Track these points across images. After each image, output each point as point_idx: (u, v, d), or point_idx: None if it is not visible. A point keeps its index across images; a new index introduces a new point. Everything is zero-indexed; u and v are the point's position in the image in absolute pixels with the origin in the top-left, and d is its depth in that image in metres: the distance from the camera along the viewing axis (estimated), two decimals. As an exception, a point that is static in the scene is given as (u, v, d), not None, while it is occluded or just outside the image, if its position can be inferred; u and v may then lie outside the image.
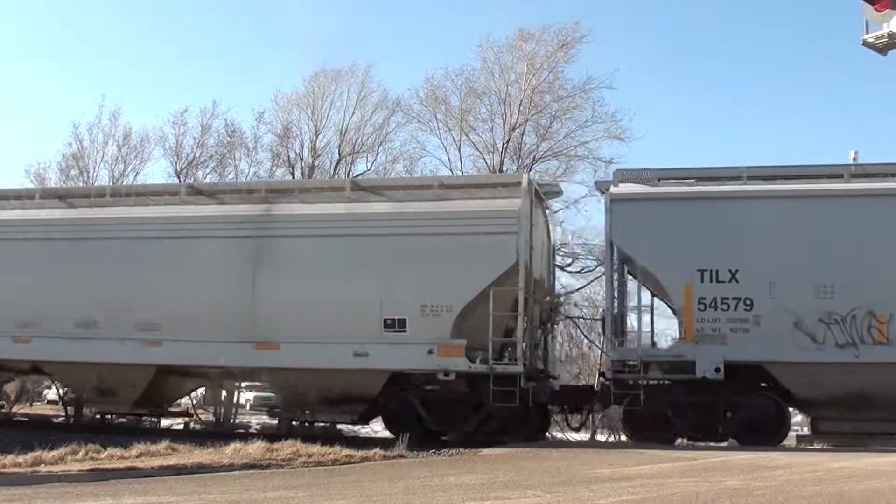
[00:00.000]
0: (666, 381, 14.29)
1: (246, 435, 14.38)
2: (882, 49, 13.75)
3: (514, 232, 14.07)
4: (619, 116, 26.39)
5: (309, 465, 10.51)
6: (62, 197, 17.53)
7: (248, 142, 29.76)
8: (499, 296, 13.99)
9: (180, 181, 27.31)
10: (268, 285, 14.85)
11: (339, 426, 16.71)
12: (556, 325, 16.96)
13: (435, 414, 14.34)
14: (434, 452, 12.12)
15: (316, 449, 11.21)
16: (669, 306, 15.07)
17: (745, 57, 68.58)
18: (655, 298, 15.29)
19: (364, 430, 17.91)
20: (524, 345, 14.29)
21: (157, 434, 14.68)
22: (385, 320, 14.28)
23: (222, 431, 16.69)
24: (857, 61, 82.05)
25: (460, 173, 26.04)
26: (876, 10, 13.56)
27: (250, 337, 14.77)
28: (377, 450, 11.59)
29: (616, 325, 14.66)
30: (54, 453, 10.34)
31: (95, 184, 28.03)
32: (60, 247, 16.04)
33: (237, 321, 14.82)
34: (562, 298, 19.55)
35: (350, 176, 27.10)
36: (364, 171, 28.82)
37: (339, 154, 29.10)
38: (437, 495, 7.63)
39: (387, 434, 15.21)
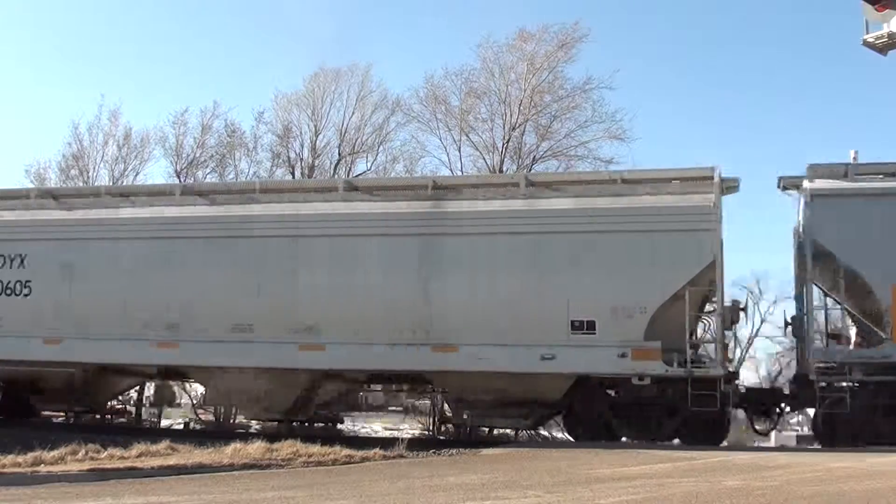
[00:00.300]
0: (862, 383, 13.52)
1: (246, 435, 14.37)
2: (882, 49, 13.73)
3: (712, 229, 13.58)
4: (619, 116, 26.39)
5: (309, 465, 10.51)
6: (204, 193, 16.48)
7: (248, 142, 29.80)
8: (691, 295, 13.44)
9: (180, 181, 27.31)
10: (443, 285, 14.15)
11: (340, 426, 16.72)
12: (736, 325, 16.02)
13: (625, 419, 13.75)
14: (434, 452, 12.12)
15: (316, 449, 11.21)
16: (846, 309, 14.59)
17: (745, 57, 68.59)
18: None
19: (364, 430, 17.91)
20: (719, 346, 13.71)
21: (157, 434, 14.67)
22: (573, 322, 13.66)
23: (222, 431, 16.69)
24: (857, 61, 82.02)
25: (460, 173, 26.03)
26: (876, 10, 13.54)
27: (426, 339, 14.06)
28: (377, 450, 11.58)
29: (809, 326, 14.00)
30: (54, 453, 10.34)
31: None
32: (210, 246, 15.26)
33: (409, 323, 14.12)
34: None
35: (347, 175, 27.09)
36: (364, 171, 28.84)
37: (339, 154, 29.10)
38: (437, 495, 7.63)
39: (387, 434, 15.21)
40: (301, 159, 29.21)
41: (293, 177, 28.06)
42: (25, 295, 15.85)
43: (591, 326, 13.62)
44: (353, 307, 14.30)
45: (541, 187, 14.89)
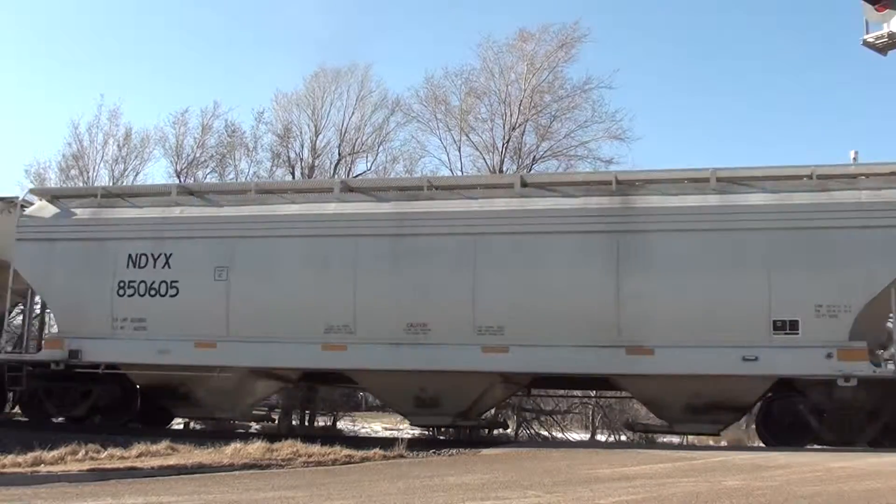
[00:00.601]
0: None
1: (246, 435, 14.37)
2: (882, 49, 13.73)
3: None
4: (619, 116, 26.48)
5: (309, 465, 10.51)
6: (365, 190, 15.72)
7: (248, 142, 29.85)
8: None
9: (180, 181, 27.33)
10: (636, 285, 13.55)
11: (340, 425, 16.74)
12: None
13: (825, 423, 13.21)
14: (434, 452, 12.11)
15: (316, 449, 11.20)
16: None
17: (745, 57, 68.60)
18: None
19: (364, 430, 17.90)
20: None
21: (157, 434, 14.67)
22: (775, 322, 13.09)
23: (222, 431, 16.70)
24: (857, 61, 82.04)
25: (460, 173, 26.07)
26: (876, 10, 13.54)
27: (618, 341, 13.46)
28: (377, 450, 11.58)
29: None
30: (54, 453, 10.33)
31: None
32: (377, 244, 14.55)
33: (598, 324, 13.56)
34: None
35: (347, 175, 27.11)
36: (364, 171, 28.89)
37: (339, 154, 29.14)
38: (436, 495, 7.63)
39: (387, 434, 15.21)
40: (301, 159, 29.27)
41: (293, 177, 28.10)
42: (172, 296, 15.02)
43: (794, 326, 13.07)
44: (537, 308, 13.67)
45: (731, 183, 14.19)
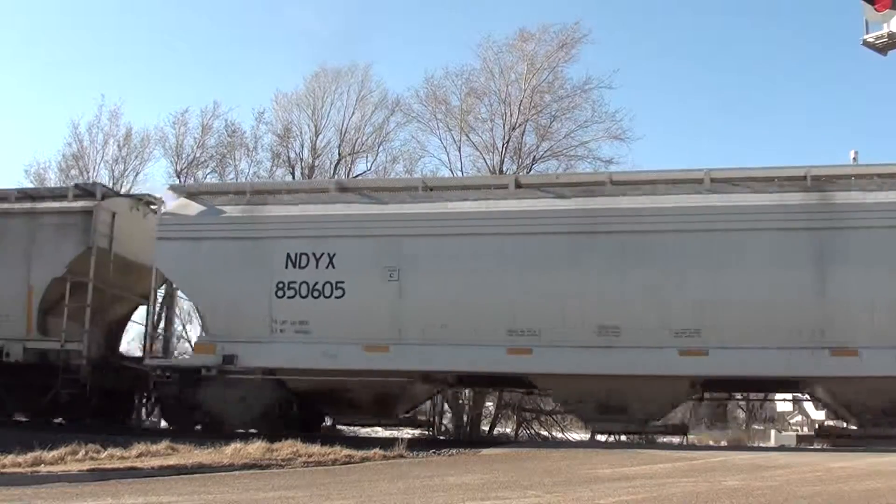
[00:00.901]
0: None
1: (246, 435, 14.36)
2: (882, 49, 13.73)
3: None
4: (619, 116, 26.42)
5: (309, 465, 10.51)
6: (543, 186, 14.95)
7: (248, 142, 29.85)
8: None
9: (180, 181, 27.32)
10: (842, 284, 13.08)
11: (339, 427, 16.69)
12: None
13: None
14: (434, 452, 12.11)
15: (316, 449, 11.21)
16: None
17: (745, 57, 68.58)
18: None
19: (364, 430, 17.86)
20: None
21: (157, 434, 14.67)
22: None
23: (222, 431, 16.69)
24: (857, 61, 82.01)
25: (460, 174, 26.07)
26: (876, 10, 13.55)
27: (821, 342, 13.00)
28: (377, 450, 11.58)
29: None
30: (54, 453, 10.33)
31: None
32: (564, 242, 13.91)
33: (799, 325, 13.09)
34: None
35: (347, 175, 27.13)
36: (364, 172, 28.89)
37: (339, 154, 29.13)
38: (436, 495, 7.63)
39: (387, 434, 15.19)
40: (301, 159, 29.28)
41: (293, 177, 28.10)
42: (338, 297, 14.36)
43: None
44: (735, 308, 13.27)
45: None
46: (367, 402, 14.76)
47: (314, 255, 14.55)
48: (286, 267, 14.58)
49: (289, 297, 14.49)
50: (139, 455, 10.70)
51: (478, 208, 14.45)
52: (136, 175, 29.98)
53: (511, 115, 26.59)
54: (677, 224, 13.65)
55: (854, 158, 15.52)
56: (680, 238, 13.58)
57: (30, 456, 10.00)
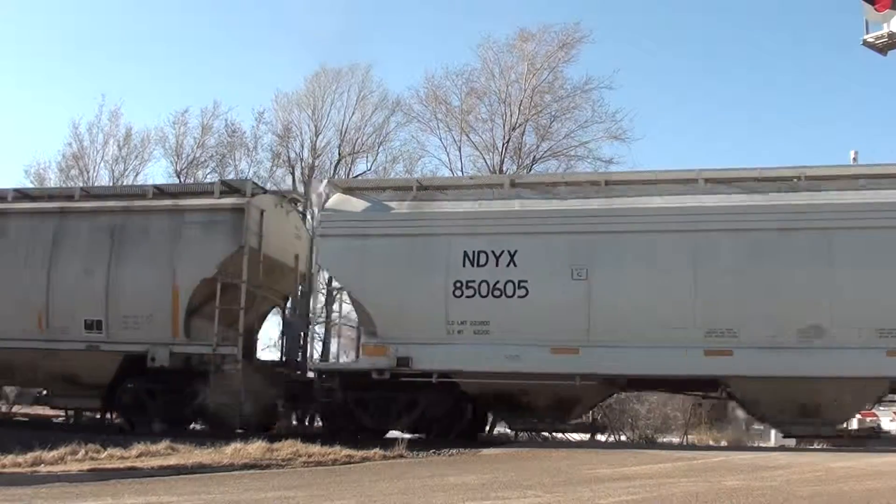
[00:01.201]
0: None
1: (245, 435, 14.35)
2: (882, 49, 13.77)
3: None
4: (619, 116, 26.43)
5: (309, 465, 10.52)
6: (731, 181, 14.14)
7: (249, 142, 29.85)
8: None
9: (180, 181, 27.31)
10: None
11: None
12: None
13: None
14: (434, 452, 12.11)
15: (316, 449, 11.22)
16: None
17: (745, 57, 68.55)
18: None
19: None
20: None
21: (157, 434, 14.66)
22: None
23: (222, 431, 16.67)
24: (857, 61, 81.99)
25: (461, 174, 26.06)
26: (876, 10, 13.58)
27: None
28: (377, 450, 11.59)
29: None
30: (54, 453, 10.34)
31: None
32: (763, 239, 13.27)
33: None
34: None
35: (347, 175, 27.12)
36: (364, 172, 28.88)
37: (339, 154, 29.13)
38: (436, 495, 7.63)
39: (387, 434, 15.16)
40: (301, 159, 29.28)
41: (293, 177, 28.14)
42: (520, 297, 13.70)
43: None
44: None
45: None
46: (545, 406, 14.19)
47: (493, 252, 13.95)
48: (463, 265, 14.00)
49: (467, 297, 13.91)
50: (139, 455, 10.70)
51: (672, 203, 13.85)
52: (136, 175, 30.04)
53: (511, 115, 26.61)
54: (889, 221, 13.03)
55: (854, 158, 15.51)
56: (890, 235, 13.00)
57: (30, 456, 10.00)
